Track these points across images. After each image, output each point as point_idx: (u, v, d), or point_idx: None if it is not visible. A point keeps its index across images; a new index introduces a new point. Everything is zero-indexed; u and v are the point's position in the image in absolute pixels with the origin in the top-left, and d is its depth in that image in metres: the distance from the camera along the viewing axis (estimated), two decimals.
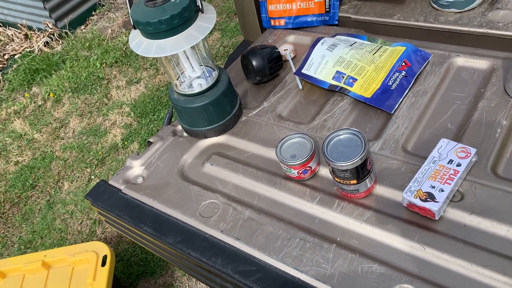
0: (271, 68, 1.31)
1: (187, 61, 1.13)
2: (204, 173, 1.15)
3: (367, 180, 0.93)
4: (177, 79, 1.18)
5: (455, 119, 1.07)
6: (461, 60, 1.20)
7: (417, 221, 0.90)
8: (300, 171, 1.02)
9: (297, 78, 1.31)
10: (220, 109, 1.18)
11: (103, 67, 3.24)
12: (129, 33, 3.49)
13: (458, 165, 0.92)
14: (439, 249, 0.84)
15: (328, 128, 1.15)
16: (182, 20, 1.00)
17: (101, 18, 3.85)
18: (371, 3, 1.48)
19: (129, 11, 1.04)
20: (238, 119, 1.25)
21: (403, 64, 1.20)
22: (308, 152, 1.01)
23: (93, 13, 3.91)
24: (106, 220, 1.19)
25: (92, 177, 2.50)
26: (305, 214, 0.99)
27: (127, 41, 3.40)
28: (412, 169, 0.98)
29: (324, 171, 1.05)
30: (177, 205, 1.07)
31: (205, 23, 1.04)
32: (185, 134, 1.25)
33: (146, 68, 3.13)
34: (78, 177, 2.52)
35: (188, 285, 1.90)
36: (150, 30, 1.00)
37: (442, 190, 0.88)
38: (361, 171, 0.90)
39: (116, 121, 2.79)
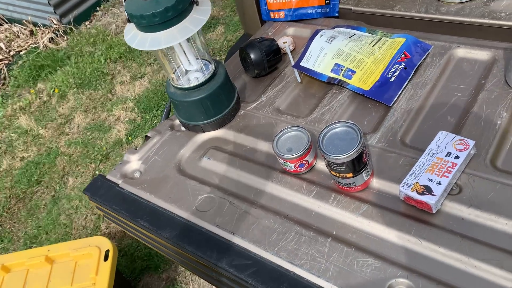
0: (269, 61, 1.30)
1: (183, 54, 1.13)
2: (201, 167, 1.14)
3: (363, 173, 0.92)
4: (174, 73, 1.18)
5: (455, 111, 1.06)
6: (462, 51, 1.18)
7: (414, 214, 0.89)
8: (297, 165, 1.01)
9: (295, 71, 1.29)
10: (217, 102, 1.17)
11: (108, 63, 3.25)
12: None
13: (456, 157, 0.90)
14: (436, 243, 0.83)
15: (326, 122, 1.13)
16: (176, 13, 0.99)
17: (105, 13, 3.85)
18: None
19: (123, 4, 1.03)
20: (236, 113, 1.24)
21: (403, 55, 1.18)
22: (304, 146, 0.99)
23: (98, 8, 3.92)
24: (104, 214, 1.19)
25: (97, 172, 2.51)
26: (301, 208, 0.98)
27: None
28: (410, 162, 0.97)
29: (321, 165, 1.04)
30: (174, 199, 1.07)
31: (199, 15, 1.03)
32: (182, 128, 1.25)
33: (150, 63, 3.13)
34: (83, 173, 2.53)
35: (192, 280, 1.90)
36: (144, 23, 0.99)
37: (440, 183, 0.87)
38: (357, 164, 0.89)
39: (120, 116, 2.80)
